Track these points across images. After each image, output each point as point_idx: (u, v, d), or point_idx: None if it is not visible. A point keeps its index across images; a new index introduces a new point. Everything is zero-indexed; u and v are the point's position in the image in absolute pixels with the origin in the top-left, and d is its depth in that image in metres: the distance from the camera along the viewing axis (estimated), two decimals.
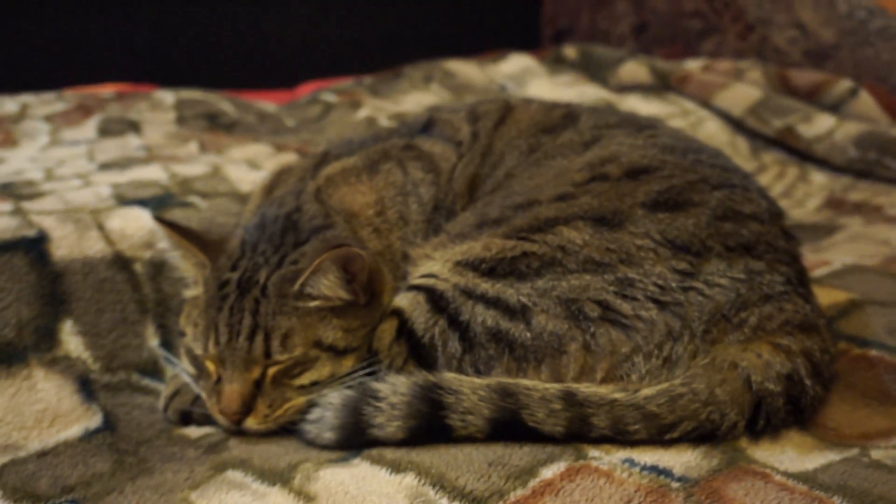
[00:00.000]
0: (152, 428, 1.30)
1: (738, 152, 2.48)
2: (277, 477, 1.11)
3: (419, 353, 1.25)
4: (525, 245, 1.26)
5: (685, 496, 1.02)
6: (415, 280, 1.32)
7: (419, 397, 1.16)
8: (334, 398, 1.21)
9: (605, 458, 1.09)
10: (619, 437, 1.11)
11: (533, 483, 1.05)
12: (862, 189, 2.29)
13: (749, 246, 1.24)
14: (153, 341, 1.47)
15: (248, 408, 1.22)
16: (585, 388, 1.13)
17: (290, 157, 1.94)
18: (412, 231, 1.41)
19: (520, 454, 1.11)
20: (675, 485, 1.04)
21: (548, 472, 1.07)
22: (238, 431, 1.25)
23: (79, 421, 1.28)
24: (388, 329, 1.29)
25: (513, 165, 1.46)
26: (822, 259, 1.75)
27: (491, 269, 1.26)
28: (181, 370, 1.34)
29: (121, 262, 1.51)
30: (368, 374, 1.25)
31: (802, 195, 2.30)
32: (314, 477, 1.10)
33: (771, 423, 1.11)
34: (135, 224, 1.57)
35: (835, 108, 2.50)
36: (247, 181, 1.78)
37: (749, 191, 1.34)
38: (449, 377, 1.17)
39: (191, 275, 1.33)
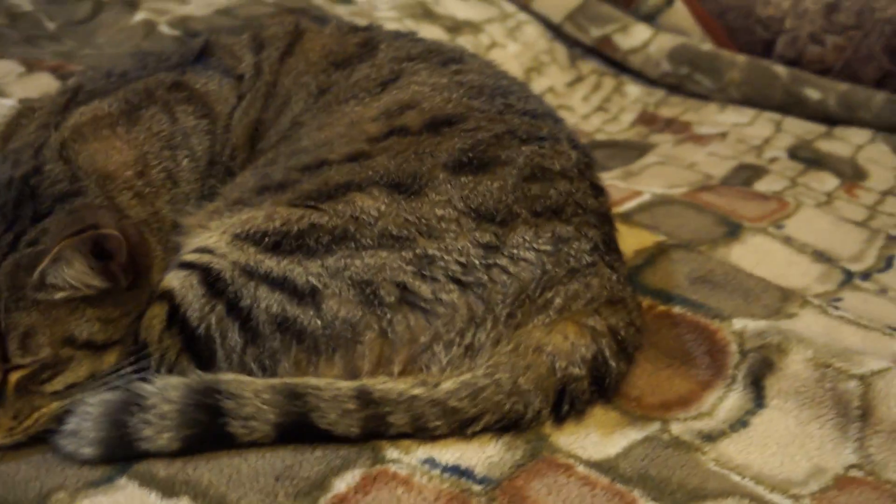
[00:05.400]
0: None
1: (557, 61, 2.39)
2: None
3: (194, 346, 1.09)
4: (314, 215, 1.10)
5: (487, 500, 0.95)
6: (187, 256, 1.13)
7: (194, 404, 1.01)
8: (92, 406, 1.03)
9: (405, 459, 1.00)
10: (420, 434, 1.03)
11: (324, 500, 0.95)
12: (673, 104, 2.28)
13: (557, 209, 1.15)
14: None
15: None
16: (381, 385, 1.02)
17: (44, 80, 1.63)
18: (183, 193, 1.21)
19: (311, 462, 1.00)
20: (476, 488, 0.97)
21: (341, 484, 0.97)
22: None
23: None
24: (157, 316, 1.11)
25: (300, 110, 1.27)
26: (632, 189, 1.72)
27: (276, 243, 1.10)
28: None
29: None
30: (137, 371, 1.08)
31: (618, 109, 2.26)
32: None
33: (575, 407, 1.06)
34: None
35: (650, 17, 2.45)
36: None
37: (559, 141, 1.24)
38: (227, 379, 1.03)
39: None
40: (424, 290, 1.06)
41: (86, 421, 1.02)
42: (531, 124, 1.24)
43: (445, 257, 1.07)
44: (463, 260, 1.07)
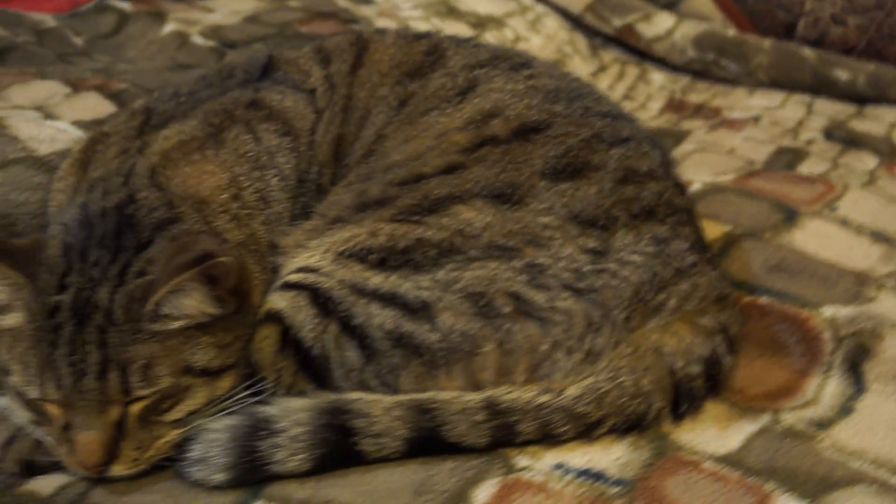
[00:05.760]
0: None
1: (579, 51, 2.40)
2: None
3: (310, 366, 1.09)
4: (418, 230, 1.11)
5: (627, 501, 0.97)
6: (291, 276, 1.14)
7: (324, 424, 1.02)
8: (218, 432, 1.03)
9: (536, 465, 1.02)
10: (546, 440, 1.04)
11: None
12: (700, 90, 2.30)
13: (651, 210, 1.17)
14: None
15: (110, 455, 1.02)
16: (508, 395, 1.04)
17: (92, 100, 1.61)
18: (276, 213, 1.21)
19: (445, 474, 1.01)
20: (613, 490, 0.99)
21: (481, 495, 0.98)
22: (102, 478, 1.05)
23: None
24: (268, 338, 1.12)
25: (382, 123, 1.27)
26: (684, 179, 1.74)
27: (381, 259, 1.10)
28: (8, 410, 1.09)
29: None
30: (253, 395, 1.08)
31: (644, 97, 2.28)
32: None
33: (693, 405, 1.09)
34: None
35: (671, 4, 2.46)
36: (45, 139, 1.44)
37: (641, 143, 1.25)
38: (355, 399, 1.03)
39: (3, 298, 1.06)
40: (539, 298, 1.07)
41: (214, 447, 1.03)
42: (612, 126, 1.25)
43: (555, 265, 1.08)
44: (573, 267, 1.08)
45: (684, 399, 1.08)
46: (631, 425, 1.06)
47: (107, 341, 1.00)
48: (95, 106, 1.58)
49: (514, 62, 1.37)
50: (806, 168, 1.85)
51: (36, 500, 1.04)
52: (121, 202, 1.12)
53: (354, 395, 1.04)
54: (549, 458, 1.03)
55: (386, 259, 1.10)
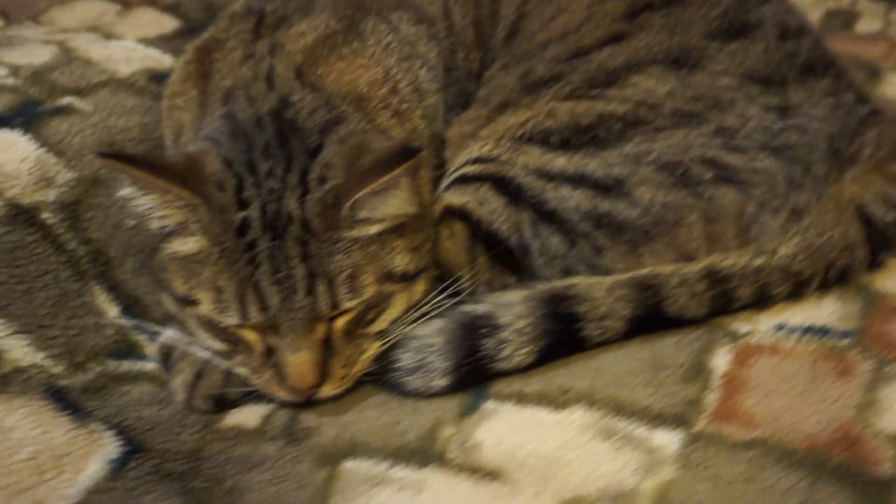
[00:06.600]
0: (187, 429, 0.97)
1: None
2: (420, 455, 0.90)
3: (508, 259, 1.04)
4: (599, 105, 1.05)
5: (861, 351, 0.98)
6: (467, 169, 1.07)
7: (546, 314, 0.98)
8: (431, 337, 0.98)
9: (758, 329, 1.01)
10: (760, 304, 1.03)
11: (714, 381, 0.95)
12: None
13: (811, 65, 1.14)
14: (111, 311, 1.09)
15: (322, 376, 0.96)
16: (725, 262, 1.01)
17: (148, 15, 1.46)
18: (431, 106, 1.12)
19: (671, 349, 0.99)
20: (843, 342, 0.99)
21: (719, 363, 0.97)
22: (306, 403, 0.99)
23: (88, 453, 0.92)
24: (455, 236, 1.06)
25: (521, 1, 1.18)
26: None
27: (564, 140, 1.05)
28: (183, 342, 1.01)
29: (22, 216, 1.06)
30: (450, 295, 1.03)
31: None
32: (473, 442, 0.90)
33: (892, 253, 1.09)
34: (12, 154, 1.10)
35: None
36: (120, 60, 1.30)
37: None
38: (575, 283, 0.99)
39: (172, 223, 0.96)
40: (737, 161, 1.04)
41: (430, 353, 0.98)
42: None
43: (745, 126, 1.05)
44: (763, 126, 1.05)
45: (882, 247, 1.08)
46: (836, 279, 1.06)
47: (309, 253, 0.93)
48: (154, 21, 1.44)
49: None
50: (862, 27, 1.86)
51: (246, 434, 0.97)
52: (274, 108, 1.02)
53: (574, 280, 1.00)
54: (766, 320, 1.02)
55: (569, 139, 1.05)
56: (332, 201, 0.94)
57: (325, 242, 0.93)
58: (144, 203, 0.95)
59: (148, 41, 1.37)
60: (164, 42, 1.37)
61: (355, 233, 0.95)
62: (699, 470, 0.86)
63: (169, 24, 1.43)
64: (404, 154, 0.93)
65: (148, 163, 0.93)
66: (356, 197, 0.93)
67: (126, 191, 0.95)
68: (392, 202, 0.94)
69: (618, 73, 1.07)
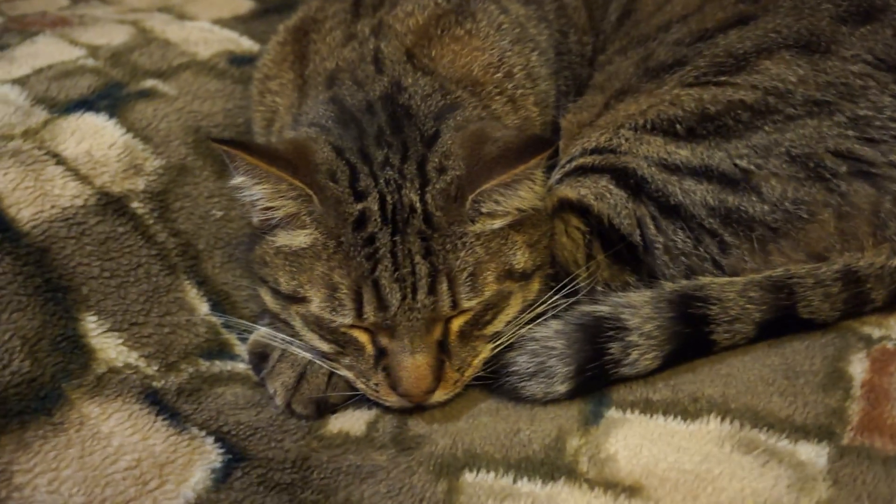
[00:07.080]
0: (289, 435, 0.92)
1: None
2: (547, 467, 0.84)
3: (628, 257, 0.98)
4: (726, 91, 0.99)
5: None
6: (583, 160, 1.01)
7: (676, 316, 0.92)
8: (550, 340, 0.92)
9: (891, 334, 0.95)
10: (890, 307, 0.97)
11: (855, 390, 0.89)
12: None
13: None
14: (202, 307, 1.03)
15: (438, 380, 0.90)
16: (861, 262, 0.95)
17: None
18: (544, 91, 1.06)
19: (802, 355, 0.93)
20: None
21: (857, 370, 0.91)
22: (414, 409, 0.93)
23: (190, 461, 0.87)
24: (572, 231, 1.00)
25: None
26: None
27: (689, 129, 0.98)
28: (280, 341, 0.95)
29: (112, 206, 1.00)
30: (566, 295, 0.96)
31: None
32: (605, 454, 0.84)
33: None
34: (100, 140, 1.04)
35: None
36: (198, 42, 1.24)
37: None
38: (707, 283, 0.93)
39: (282, 214, 0.90)
40: (872, 154, 0.97)
41: (550, 357, 0.92)
42: None
43: (879, 116, 0.98)
44: None
45: None
46: None
47: (431, 249, 0.87)
48: (228, 2, 1.37)
49: None
50: None
51: (353, 442, 0.91)
52: (386, 92, 0.96)
53: (705, 280, 0.94)
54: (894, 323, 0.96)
55: (693, 129, 0.98)
56: (455, 193, 0.88)
57: (447, 237, 0.88)
58: (255, 193, 0.89)
59: (223, 22, 1.31)
60: (239, 23, 1.31)
61: (478, 227, 0.89)
62: (854, 487, 0.80)
63: (243, 4, 1.36)
64: (537, 144, 0.87)
65: (262, 150, 0.88)
66: (482, 189, 0.87)
67: (239, 179, 0.89)
68: (522, 195, 0.89)
69: (746, 57, 1.00)
